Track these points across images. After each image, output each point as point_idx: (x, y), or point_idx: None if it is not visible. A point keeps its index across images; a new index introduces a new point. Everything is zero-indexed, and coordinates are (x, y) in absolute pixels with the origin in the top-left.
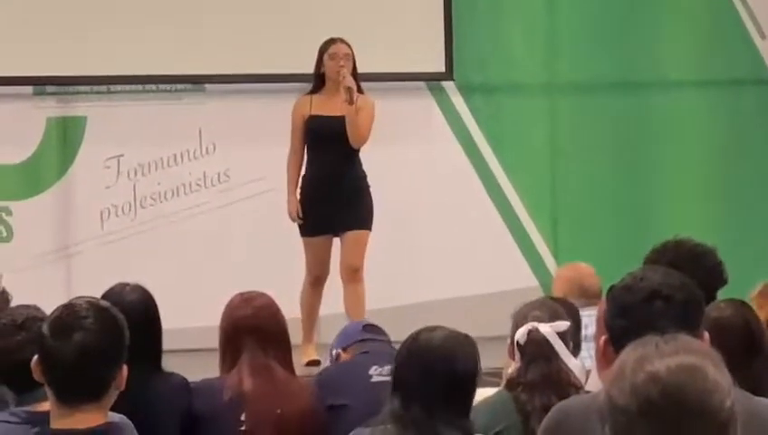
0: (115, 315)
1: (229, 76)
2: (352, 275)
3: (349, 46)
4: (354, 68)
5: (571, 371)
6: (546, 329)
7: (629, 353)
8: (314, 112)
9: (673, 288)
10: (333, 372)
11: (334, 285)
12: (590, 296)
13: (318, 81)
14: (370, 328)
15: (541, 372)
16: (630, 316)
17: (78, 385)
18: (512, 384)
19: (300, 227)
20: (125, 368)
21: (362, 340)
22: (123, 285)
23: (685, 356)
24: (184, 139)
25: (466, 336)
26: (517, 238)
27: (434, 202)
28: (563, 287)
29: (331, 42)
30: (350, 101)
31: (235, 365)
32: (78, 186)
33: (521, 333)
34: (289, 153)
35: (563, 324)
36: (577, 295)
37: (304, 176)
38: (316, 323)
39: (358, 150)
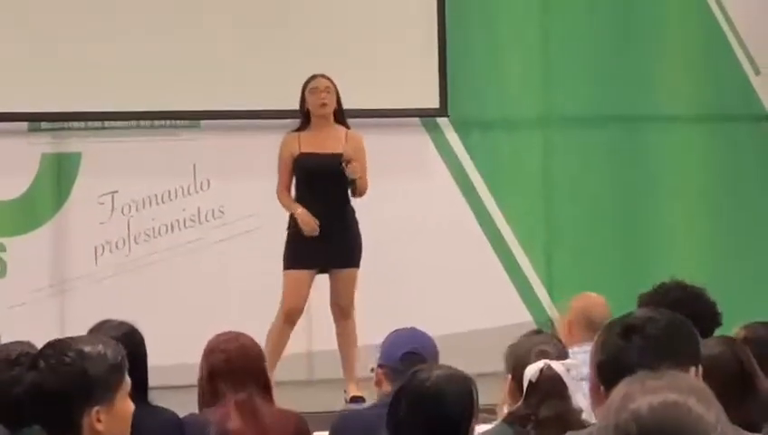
0: (75, 356)
1: (223, 112)
2: (343, 312)
3: (330, 80)
4: (338, 100)
5: (581, 409)
6: (559, 367)
7: (617, 391)
8: (304, 150)
9: (652, 322)
10: (349, 422)
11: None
12: (596, 328)
13: (304, 118)
14: (409, 357)
15: (555, 411)
16: (608, 352)
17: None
18: (515, 419)
19: (285, 259)
20: (96, 410)
21: (395, 369)
22: (106, 322)
23: (668, 393)
24: (178, 175)
25: (465, 378)
26: (511, 274)
27: (428, 237)
28: (571, 317)
29: (312, 77)
30: (355, 194)
31: (213, 404)
32: (72, 222)
33: (532, 371)
34: (278, 188)
35: (574, 363)
36: (583, 326)
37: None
38: (278, 360)
39: (347, 188)
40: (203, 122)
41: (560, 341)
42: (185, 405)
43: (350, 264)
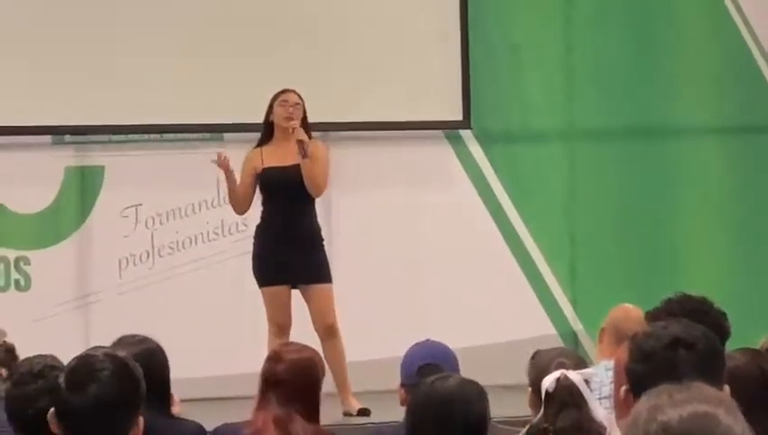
0: (130, 366)
1: (246, 125)
2: (328, 331)
3: (299, 96)
4: (305, 118)
5: (599, 419)
6: (575, 376)
7: (644, 403)
8: (267, 164)
9: (695, 337)
10: None
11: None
12: (622, 340)
13: (267, 130)
14: (425, 370)
15: (572, 420)
16: (652, 362)
17: None
18: (535, 431)
19: (256, 277)
20: (141, 420)
21: (414, 384)
22: (131, 336)
23: (697, 405)
24: (202, 188)
25: (476, 386)
26: (535, 286)
27: (451, 250)
28: (606, 324)
29: (282, 91)
30: (304, 155)
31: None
32: (96, 235)
33: (548, 381)
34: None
35: (591, 372)
36: (612, 336)
37: (260, 226)
38: None
39: (313, 202)
40: (226, 135)
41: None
42: (206, 417)
43: (319, 279)
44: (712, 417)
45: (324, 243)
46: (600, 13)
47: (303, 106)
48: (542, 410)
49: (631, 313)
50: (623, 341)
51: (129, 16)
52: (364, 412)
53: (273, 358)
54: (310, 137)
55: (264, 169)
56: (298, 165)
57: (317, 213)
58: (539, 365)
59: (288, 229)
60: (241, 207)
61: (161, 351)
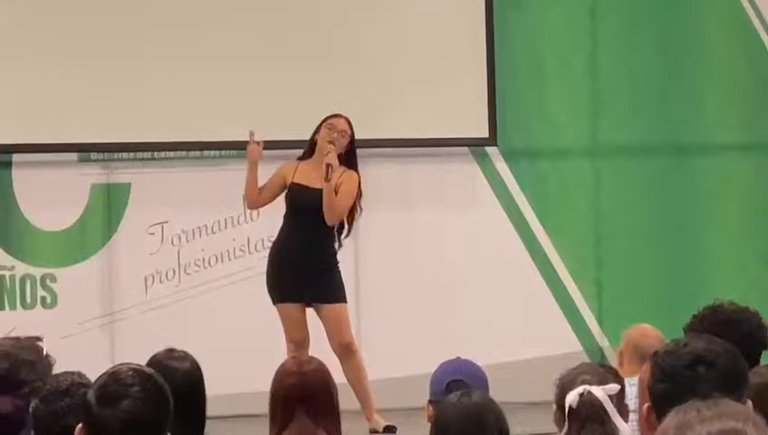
0: (161, 383)
1: (272, 142)
2: (345, 350)
3: (350, 125)
4: (350, 145)
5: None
6: (599, 392)
7: (671, 419)
8: (296, 180)
9: (716, 354)
10: None
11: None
12: (643, 358)
13: (309, 147)
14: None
15: None
16: (673, 381)
17: None
18: None
19: (270, 293)
20: None
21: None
22: (170, 351)
23: (726, 421)
24: (228, 205)
25: (495, 403)
26: (561, 302)
27: (477, 267)
28: (623, 345)
29: (333, 115)
30: (326, 178)
31: (282, 432)
32: (122, 252)
33: (572, 397)
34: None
35: (614, 388)
36: (631, 355)
37: (275, 242)
38: None
39: (332, 227)
40: None
41: (611, 370)
42: (233, 434)
43: (331, 299)
44: (740, 433)
45: (339, 264)
46: (625, 29)
47: (351, 136)
48: (565, 426)
49: (648, 331)
50: (645, 359)
51: (157, 35)
52: (390, 429)
53: (289, 371)
54: (352, 167)
55: (293, 184)
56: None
57: (335, 235)
58: (564, 382)
59: (302, 248)
60: (254, 201)
61: (200, 372)
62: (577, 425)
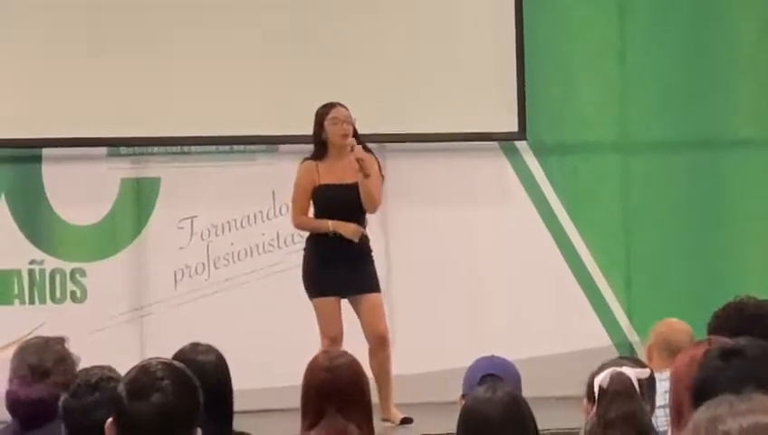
0: (190, 377)
1: (302, 137)
2: (380, 342)
3: (347, 109)
4: (355, 130)
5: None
6: (630, 371)
7: (703, 413)
8: (324, 181)
9: (750, 347)
10: None
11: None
12: (673, 352)
13: (320, 147)
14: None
15: (622, 411)
16: (705, 374)
17: None
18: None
19: (308, 288)
20: (200, 431)
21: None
22: (195, 346)
23: (760, 416)
24: (257, 199)
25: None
26: (591, 298)
27: (507, 261)
28: (652, 342)
29: (330, 106)
30: (366, 174)
31: (314, 427)
32: (151, 247)
33: (602, 377)
34: (295, 216)
35: (645, 372)
36: (660, 349)
37: (310, 240)
38: None
39: (365, 216)
40: (281, 147)
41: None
42: (262, 429)
43: (369, 289)
44: None
45: (373, 255)
46: (654, 24)
47: (352, 118)
48: (593, 409)
49: (676, 325)
50: (675, 353)
51: (185, 30)
52: (407, 421)
53: (320, 366)
54: (365, 148)
55: (321, 186)
56: (355, 183)
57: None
58: (598, 372)
59: (340, 244)
60: (303, 219)
61: (226, 365)
62: (605, 402)
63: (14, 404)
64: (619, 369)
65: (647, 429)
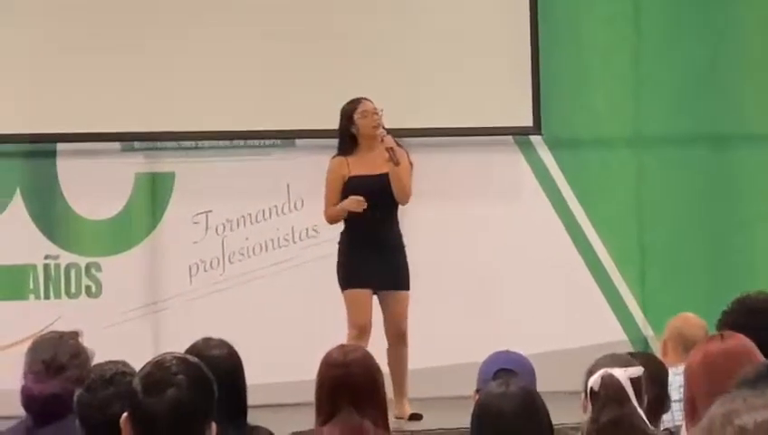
0: (205, 372)
1: (316, 131)
2: (400, 337)
3: (372, 102)
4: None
5: (644, 417)
6: (619, 373)
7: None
8: (354, 173)
9: None
10: None
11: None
12: (688, 347)
13: (349, 142)
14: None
15: (613, 415)
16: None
17: None
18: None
19: (341, 279)
20: (214, 425)
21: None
22: (207, 340)
23: None
24: (272, 194)
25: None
26: (605, 292)
27: (521, 256)
28: (667, 335)
29: (357, 101)
30: (396, 162)
31: (329, 422)
32: (166, 241)
33: (594, 380)
34: (326, 209)
35: (638, 370)
36: (675, 344)
37: (345, 233)
38: None
39: (397, 209)
40: (296, 142)
41: (653, 357)
42: (276, 423)
43: (401, 286)
44: None
45: (406, 250)
46: (668, 20)
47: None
48: (588, 410)
49: (691, 319)
50: (689, 348)
51: (200, 25)
52: (416, 417)
53: (335, 360)
54: (396, 142)
55: (352, 178)
56: (386, 174)
57: (398, 219)
58: (592, 370)
59: (374, 236)
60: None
61: (239, 358)
62: (598, 406)
63: (28, 400)
64: (609, 371)
65: (637, 431)
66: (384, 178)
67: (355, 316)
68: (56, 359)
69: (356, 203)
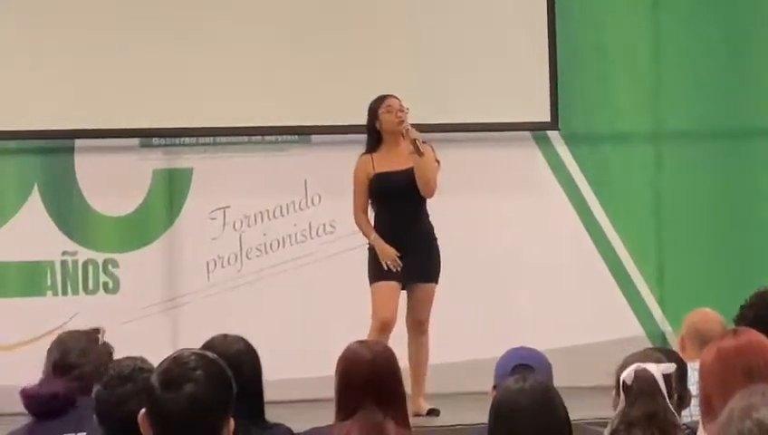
0: (223, 367)
1: (334, 127)
2: (419, 327)
3: (399, 100)
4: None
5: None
6: (653, 368)
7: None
8: (379, 170)
9: None
10: None
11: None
12: (705, 343)
13: (375, 138)
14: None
15: (645, 410)
16: None
17: None
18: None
19: (371, 274)
20: (232, 421)
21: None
22: (223, 336)
23: None
24: (290, 190)
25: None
26: (623, 287)
27: (538, 251)
28: (684, 331)
29: (383, 97)
30: (419, 153)
31: (350, 417)
32: (184, 237)
33: (627, 373)
34: (355, 212)
35: (670, 366)
36: (693, 339)
37: (375, 228)
38: None
39: (425, 203)
40: (313, 137)
41: (673, 354)
42: (294, 419)
43: (429, 279)
44: None
45: (438, 243)
46: (688, 13)
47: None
48: (621, 403)
49: (709, 315)
50: (706, 343)
51: (217, 21)
52: (434, 412)
53: (356, 354)
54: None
55: (378, 175)
56: (411, 168)
57: (428, 213)
58: (623, 365)
59: (404, 231)
60: (364, 216)
61: (256, 354)
62: (630, 399)
63: (26, 400)
64: (643, 365)
65: (670, 427)
66: (409, 173)
67: (379, 309)
68: (64, 359)
69: (391, 259)
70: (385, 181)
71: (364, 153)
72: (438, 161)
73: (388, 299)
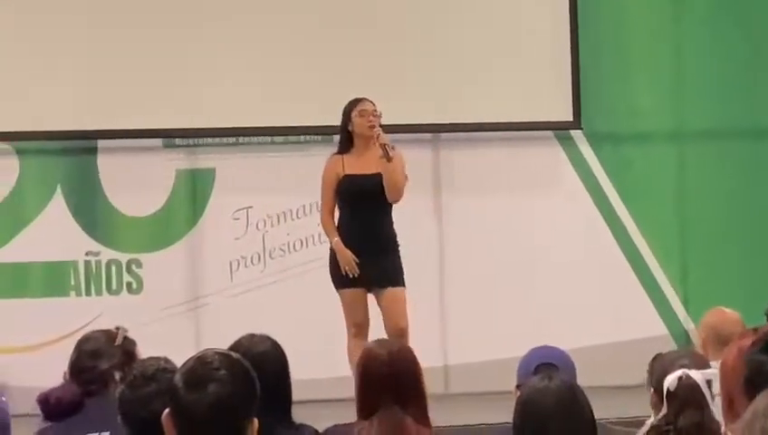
0: (247, 367)
1: None
2: (399, 334)
3: (374, 103)
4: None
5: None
6: (697, 376)
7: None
8: (348, 172)
9: None
10: None
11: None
12: (724, 343)
13: (347, 139)
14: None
15: (693, 420)
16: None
17: None
18: (656, 431)
19: (333, 279)
20: (256, 421)
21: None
22: (251, 336)
23: None
24: (312, 190)
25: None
26: (647, 287)
27: (562, 251)
28: (702, 333)
29: (357, 101)
30: (388, 159)
31: (371, 416)
32: (207, 238)
33: (671, 380)
34: (322, 212)
35: (713, 372)
36: (713, 342)
37: (337, 231)
38: None
39: (391, 208)
40: (336, 137)
41: (697, 354)
42: (318, 419)
43: (396, 283)
44: None
45: (399, 248)
46: (710, 13)
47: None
48: (663, 409)
49: (727, 314)
50: (725, 344)
51: (240, 20)
52: None
53: (376, 354)
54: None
55: (346, 176)
56: (379, 173)
57: (392, 219)
58: (662, 366)
59: (366, 235)
60: (330, 218)
61: (284, 354)
62: (675, 408)
63: (40, 404)
64: (687, 372)
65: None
66: (377, 178)
67: (349, 314)
68: (77, 363)
69: (349, 265)
70: (353, 183)
71: (335, 153)
72: (407, 176)
73: (356, 305)
